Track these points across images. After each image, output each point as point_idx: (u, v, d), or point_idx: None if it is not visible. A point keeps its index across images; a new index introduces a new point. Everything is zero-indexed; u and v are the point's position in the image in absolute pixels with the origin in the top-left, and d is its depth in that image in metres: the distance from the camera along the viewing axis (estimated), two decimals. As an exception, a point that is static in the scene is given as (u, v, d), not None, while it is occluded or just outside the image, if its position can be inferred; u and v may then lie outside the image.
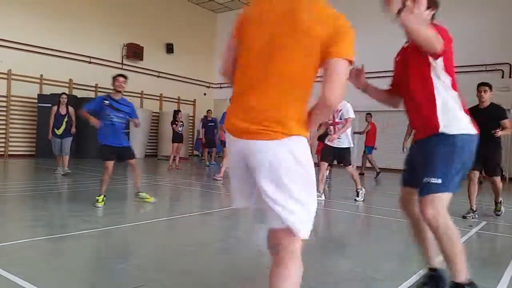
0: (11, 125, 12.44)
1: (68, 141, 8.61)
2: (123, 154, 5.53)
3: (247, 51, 1.73)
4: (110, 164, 5.34)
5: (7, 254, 3.18)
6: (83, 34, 13.81)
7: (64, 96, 8.80)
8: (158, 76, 16.46)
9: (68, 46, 13.36)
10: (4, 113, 12.27)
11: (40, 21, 12.75)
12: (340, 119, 6.40)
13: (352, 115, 6.41)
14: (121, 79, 5.45)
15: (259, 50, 1.69)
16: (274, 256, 1.68)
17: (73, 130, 8.66)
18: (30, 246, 3.44)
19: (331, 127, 6.51)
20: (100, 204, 5.16)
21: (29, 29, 12.45)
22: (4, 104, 12.29)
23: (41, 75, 12.82)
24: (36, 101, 12.37)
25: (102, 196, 5.24)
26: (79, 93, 13.37)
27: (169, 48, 16.73)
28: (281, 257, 1.64)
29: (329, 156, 6.54)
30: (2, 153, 12.19)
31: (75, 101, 10.48)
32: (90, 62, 14.08)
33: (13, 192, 6.46)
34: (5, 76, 12.23)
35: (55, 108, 8.59)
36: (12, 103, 12.43)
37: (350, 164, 6.56)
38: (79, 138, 11.03)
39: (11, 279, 2.55)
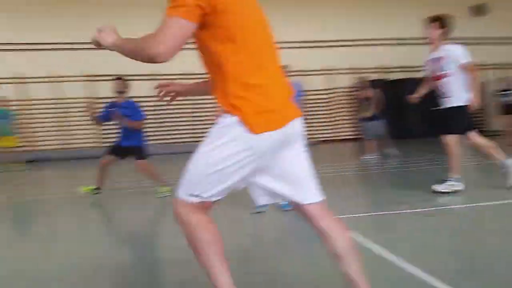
0: (334, 113, 14.49)
1: (375, 124, 8.71)
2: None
3: (247, 31, 1.53)
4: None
5: (362, 223, 3.73)
6: (383, 16, 14.32)
7: (363, 80, 9.42)
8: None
9: (373, 32, 14.16)
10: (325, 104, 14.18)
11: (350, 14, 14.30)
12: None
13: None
14: (118, 81, 5.55)
15: (261, 32, 1.61)
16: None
17: (372, 112, 8.73)
18: (376, 218, 3.99)
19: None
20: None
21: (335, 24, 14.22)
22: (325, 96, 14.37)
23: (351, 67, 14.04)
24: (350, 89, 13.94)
25: None
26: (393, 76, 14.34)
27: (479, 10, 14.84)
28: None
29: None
30: (330, 138, 14.17)
31: (385, 85, 11.96)
32: (394, 44, 14.35)
33: (346, 172, 7.47)
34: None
35: (362, 92, 9.02)
36: (331, 95, 14.45)
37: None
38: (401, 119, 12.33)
39: (367, 245, 2.88)
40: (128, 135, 5.42)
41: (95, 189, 5.40)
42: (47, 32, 12.28)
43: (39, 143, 12.68)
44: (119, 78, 5.58)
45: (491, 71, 13.97)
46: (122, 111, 5.34)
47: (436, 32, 4.59)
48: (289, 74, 4.77)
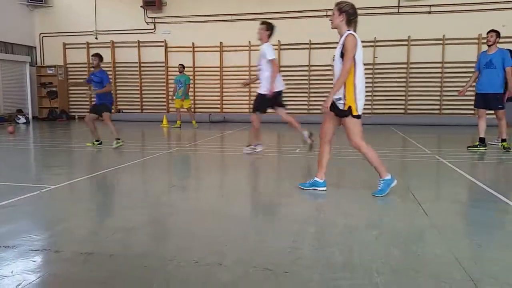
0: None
1: None
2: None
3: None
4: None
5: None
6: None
7: None
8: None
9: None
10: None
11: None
12: None
13: None
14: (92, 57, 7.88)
15: None
16: None
17: None
18: None
19: None
20: None
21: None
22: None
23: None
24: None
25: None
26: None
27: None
28: None
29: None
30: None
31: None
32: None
33: None
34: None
35: None
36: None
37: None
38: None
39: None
40: (99, 97, 7.77)
41: (96, 141, 7.89)
42: None
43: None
44: (94, 54, 7.83)
45: None
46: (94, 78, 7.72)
47: None
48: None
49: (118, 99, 15.41)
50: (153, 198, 4.17)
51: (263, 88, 6.47)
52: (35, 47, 16.45)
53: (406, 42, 13.23)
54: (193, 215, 3.50)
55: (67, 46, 16.10)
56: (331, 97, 3.80)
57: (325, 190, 4.16)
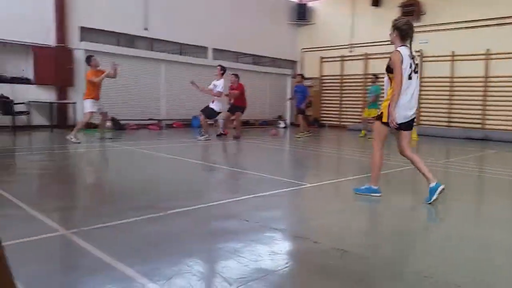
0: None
1: None
2: None
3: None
4: None
5: None
6: None
7: None
8: None
9: None
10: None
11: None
12: None
13: None
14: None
15: None
16: None
17: None
18: None
19: None
20: None
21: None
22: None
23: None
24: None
25: None
26: None
27: None
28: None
29: None
30: None
31: None
32: None
33: None
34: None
35: None
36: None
37: None
38: None
39: None
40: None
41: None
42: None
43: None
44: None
45: None
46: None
47: None
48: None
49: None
50: (403, 211, 4.04)
51: None
52: (296, 61, 18.57)
53: None
54: (447, 235, 3.21)
55: (323, 60, 17.50)
56: (393, 110, 3.98)
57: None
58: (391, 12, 14.84)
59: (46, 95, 11.25)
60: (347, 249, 2.69)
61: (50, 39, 11.22)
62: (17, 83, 10.78)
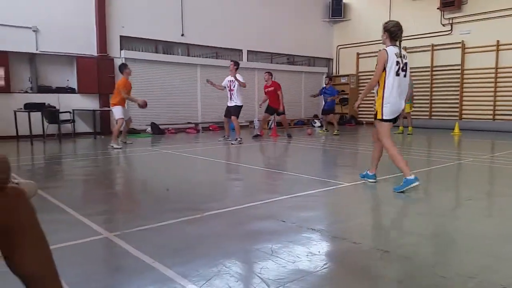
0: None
1: None
2: None
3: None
4: None
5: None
6: None
7: None
8: None
9: None
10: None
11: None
12: None
13: None
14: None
15: None
16: None
17: None
18: None
19: None
20: None
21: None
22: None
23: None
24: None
25: None
26: None
27: None
28: None
29: None
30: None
31: None
32: None
33: None
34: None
35: None
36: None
37: None
38: None
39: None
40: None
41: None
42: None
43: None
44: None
45: None
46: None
47: None
48: None
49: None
50: (445, 209, 3.89)
51: None
52: (332, 59, 18.32)
53: None
54: (492, 234, 3.05)
55: (360, 56, 17.17)
56: (359, 101, 4.92)
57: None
58: (430, 3, 14.37)
59: (89, 103, 11.72)
60: (387, 249, 2.62)
61: (92, 49, 11.70)
62: (62, 92, 11.30)
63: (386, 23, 4.60)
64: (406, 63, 4.45)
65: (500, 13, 12.90)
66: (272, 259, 2.47)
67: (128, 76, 9.09)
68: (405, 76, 4.45)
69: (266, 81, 11.15)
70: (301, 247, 2.67)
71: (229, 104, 9.87)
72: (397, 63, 4.36)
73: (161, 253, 2.58)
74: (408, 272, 2.31)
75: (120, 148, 8.41)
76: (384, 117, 4.42)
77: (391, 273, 2.30)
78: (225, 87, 9.91)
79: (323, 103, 12.64)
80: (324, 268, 2.36)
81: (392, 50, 4.39)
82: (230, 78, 9.75)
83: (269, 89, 11.00)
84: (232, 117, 9.77)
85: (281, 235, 2.93)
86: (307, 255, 2.52)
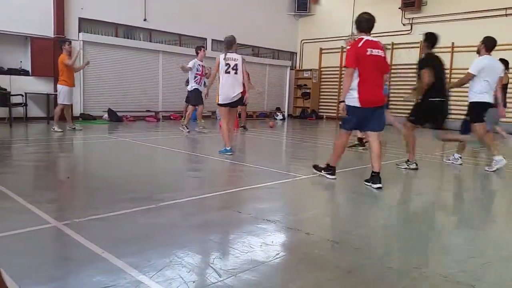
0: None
1: None
2: None
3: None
4: None
5: None
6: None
7: None
8: None
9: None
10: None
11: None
12: None
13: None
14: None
15: None
16: None
17: None
18: None
19: None
20: None
21: None
22: None
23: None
24: None
25: None
26: None
27: None
28: None
29: None
30: None
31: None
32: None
33: None
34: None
35: None
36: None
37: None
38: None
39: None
40: None
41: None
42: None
43: None
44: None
45: None
46: None
47: None
48: None
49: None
50: (396, 202, 4.03)
51: None
52: (296, 53, 18.47)
53: None
54: (439, 227, 3.21)
55: (323, 51, 17.41)
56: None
57: None
58: (392, 2, 14.76)
59: (44, 86, 11.20)
60: (338, 241, 2.69)
61: (49, 30, 11.16)
62: (15, 74, 10.73)
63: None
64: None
65: (455, 16, 13.46)
66: (225, 250, 2.48)
67: (67, 53, 8.82)
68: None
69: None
70: (255, 237, 2.69)
71: (200, 89, 9.42)
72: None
73: (111, 243, 2.52)
74: (357, 262, 2.38)
75: (61, 131, 8.43)
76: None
77: (341, 263, 2.36)
78: (191, 68, 9.39)
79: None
80: (276, 258, 2.39)
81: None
82: (201, 62, 9.46)
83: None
84: (192, 107, 9.65)
85: (236, 226, 2.94)
86: (260, 246, 2.54)
